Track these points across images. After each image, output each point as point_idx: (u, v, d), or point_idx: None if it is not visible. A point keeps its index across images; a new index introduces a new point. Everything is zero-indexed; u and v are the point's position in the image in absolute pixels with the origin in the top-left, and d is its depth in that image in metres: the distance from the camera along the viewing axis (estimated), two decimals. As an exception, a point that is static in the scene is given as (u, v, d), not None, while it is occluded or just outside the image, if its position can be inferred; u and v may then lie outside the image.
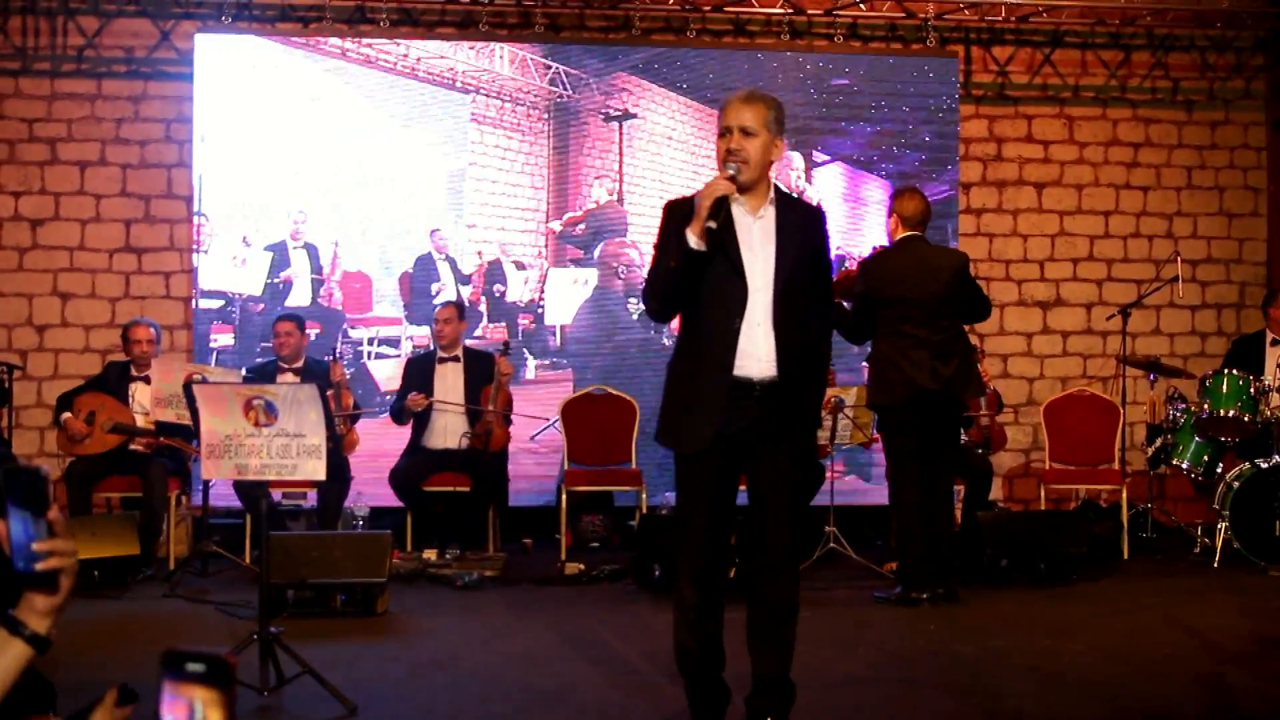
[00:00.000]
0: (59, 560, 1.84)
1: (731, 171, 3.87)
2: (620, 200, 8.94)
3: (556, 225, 8.90)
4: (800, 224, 4.03)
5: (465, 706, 4.55)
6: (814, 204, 7.94)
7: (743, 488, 4.13)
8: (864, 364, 7.01)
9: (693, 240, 3.82)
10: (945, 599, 6.35)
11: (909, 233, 6.51)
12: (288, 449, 4.40)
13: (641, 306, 6.63)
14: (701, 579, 4.00)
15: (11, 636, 1.87)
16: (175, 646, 1.26)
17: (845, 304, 6.55)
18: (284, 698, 4.52)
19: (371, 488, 8.08)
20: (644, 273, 5.85)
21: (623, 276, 8.89)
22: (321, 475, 4.48)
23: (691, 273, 3.87)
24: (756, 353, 3.91)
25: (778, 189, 4.07)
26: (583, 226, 8.91)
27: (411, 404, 7.66)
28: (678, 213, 4.00)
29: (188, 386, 4.53)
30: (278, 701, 4.49)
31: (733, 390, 3.91)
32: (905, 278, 6.38)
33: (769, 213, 3.98)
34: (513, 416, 7.85)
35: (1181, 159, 9.63)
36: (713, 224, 3.81)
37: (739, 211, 3.94)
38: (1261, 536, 7.41)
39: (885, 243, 7.39)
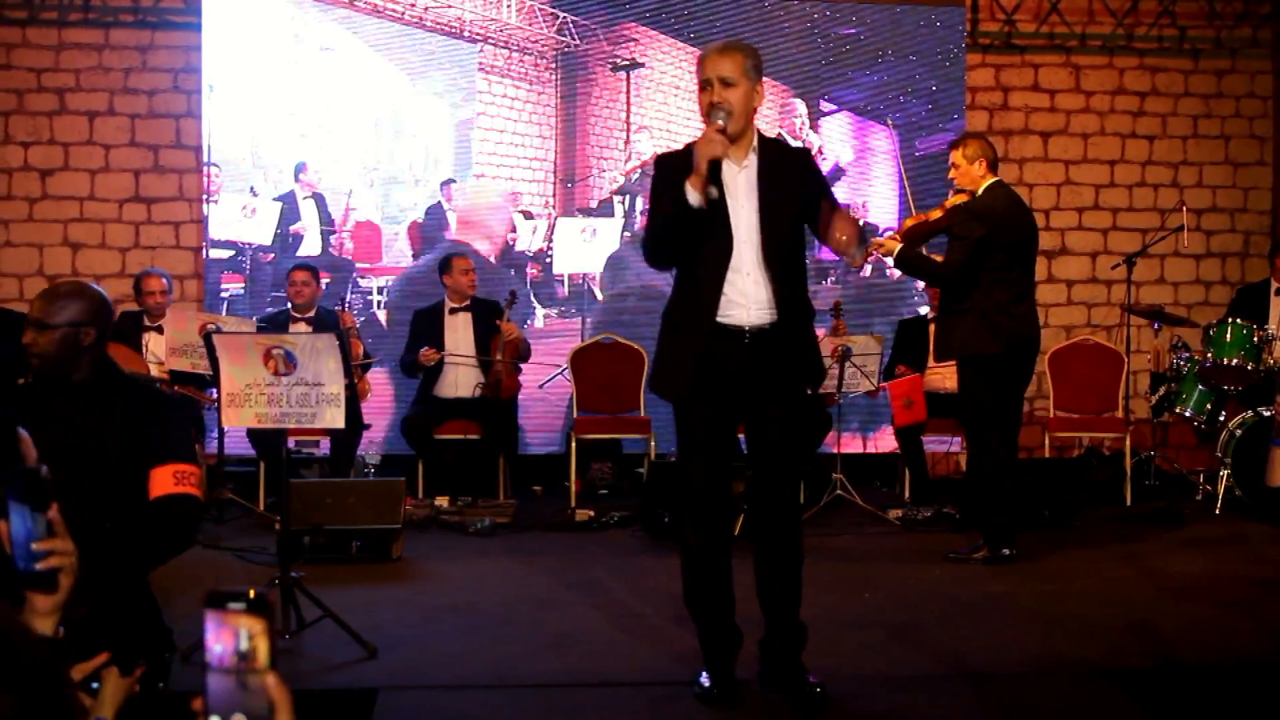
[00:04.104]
0: (58, 560, 1.85)
1: (720, 121, 3.85)
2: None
3: (619, 176, 8.92)
4: (786, 169, 4.05)
5: (479, 649, 4.65)
6: (800, 145, 7.95)
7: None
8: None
9: (693, 198, 3.82)
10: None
11: (996, 177, 6.26)
12: (307, 398, 4.47)
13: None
14: (703, 524, 4.08)
15: None
16: (214, 588, 1.33)
17: (893, 243, 6.21)
18: (305, 641, 4.62)
19: (382, 435, 8.16)
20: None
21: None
22: (340, 424, 4.55)
23: (688, 227, 3.89)
24: (744, 301, 3.96)
25: (761, 135, 4.09)
26: (638, 177, 8.93)
27: (423, 359, 7.72)
28: (668, 166, 4.03)
29: (208, 336, 4.59)
30: (299, 645, 4.60)
31: (719, 338, 3.96)
32: (1021, 223, 6.21)
33: (752, 161, 4.01)
34: (522, 365, 7.91)
35: (1188, 108, 9.61)
36: (714, 191, 3.84)
37: (724, 161, 3.95)
38: (1263, 484, 7.48)
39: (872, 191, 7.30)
